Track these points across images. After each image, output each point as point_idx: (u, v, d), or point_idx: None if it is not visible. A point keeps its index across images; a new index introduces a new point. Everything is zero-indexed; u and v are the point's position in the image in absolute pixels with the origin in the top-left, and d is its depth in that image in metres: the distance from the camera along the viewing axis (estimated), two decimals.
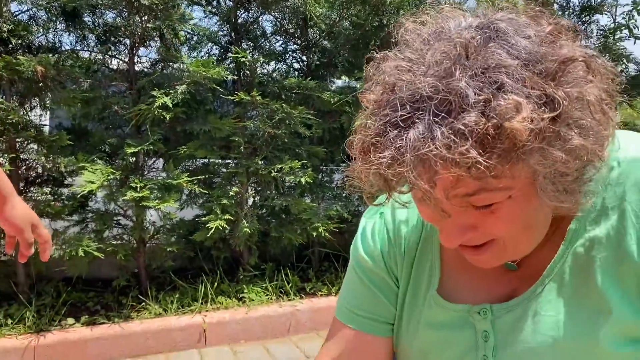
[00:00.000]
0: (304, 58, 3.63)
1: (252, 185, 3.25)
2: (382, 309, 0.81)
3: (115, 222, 2.95)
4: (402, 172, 0.55)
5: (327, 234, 3.05)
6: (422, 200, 0.63)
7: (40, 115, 2.84)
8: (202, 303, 2.83)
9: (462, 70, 0.55)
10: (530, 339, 0.68)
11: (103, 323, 2.60)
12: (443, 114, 0.54)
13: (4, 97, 2.63)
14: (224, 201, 2.94)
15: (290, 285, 3.06)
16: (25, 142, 2.78)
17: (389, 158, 0.55)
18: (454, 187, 0.56)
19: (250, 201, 3.26)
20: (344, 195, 3.49)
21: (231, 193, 2.99)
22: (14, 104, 2.66)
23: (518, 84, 0.55)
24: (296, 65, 3.67)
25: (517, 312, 0.70)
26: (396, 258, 0.81)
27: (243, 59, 3.01)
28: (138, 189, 2.70)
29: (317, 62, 3.65)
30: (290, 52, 3.66)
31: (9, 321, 2.54)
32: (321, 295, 3.06)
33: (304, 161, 3.10)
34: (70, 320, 2.60)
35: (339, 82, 3.83)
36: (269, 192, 3.24)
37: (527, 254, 0.69)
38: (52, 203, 2.80)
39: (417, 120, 0.54)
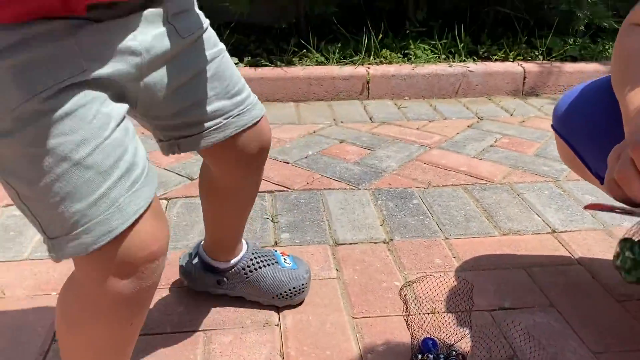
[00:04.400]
0: None
1: None
2: None
3: None
4: None
5: None
6: None
7: None
8: (365, 55, 2.62)
9: None
10: None
11: (266, 65, 2.52)
12: None
13: None
14: None
15: (462, 45, 2.71)
16: None
17: None
18: None
19: None
20: None
21: None
22: None
23: None
24: None
25: None
26: None
27: None
28: None
29: None
30: None
31: None
32: (495, 59, 2.70)
33: None
34: (234, 60, 2.55)
35: None
36: None
37: None
38: None
39: None
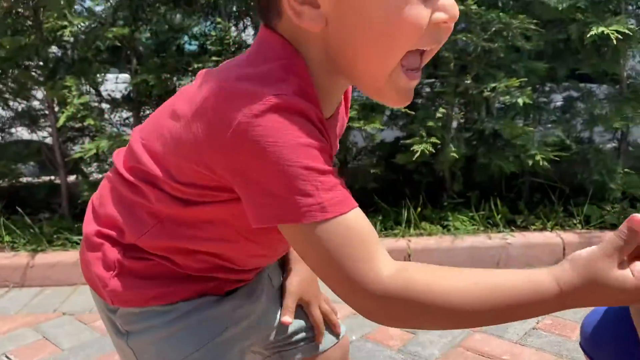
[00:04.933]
0: None
1: (459, 106, 3.00)
2: None
3: None
4: None
5: (545, 163, 2.71)
6: None
7: (253, 34, 2.89)
8: (405, 227, 2.75)
9: None
10: None
11: None
12: None
13: (220, 17, 2.71)
14: (430, 123, 2.76)
15: (499, 216, 2.82)
16: None
17: None
18: None
19: (455, 124, 3.02)
20: (564, 118, 3.05)
21: (438, 115, 2.78)
22: (229, 24, 2.73)
23: None
24: None
25: None
26: None
27: None
28: None
29: None
30: None
31: None
32: (534, 229, 2.77)
33: (523, 79, 2.73)
34: None
35: None
36: (477, 114, 2.96)
37: None
38: None
39: None
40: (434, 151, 2.73)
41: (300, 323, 0.95)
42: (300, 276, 0.96)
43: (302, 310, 0.95)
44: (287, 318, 0.91)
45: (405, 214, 2.82)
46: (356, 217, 0.60)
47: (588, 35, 2.62)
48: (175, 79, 2.75)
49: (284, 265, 0.98)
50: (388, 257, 0.60)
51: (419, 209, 2.87)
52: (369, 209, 2.96)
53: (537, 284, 0.57)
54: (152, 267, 0.75)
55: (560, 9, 2.75)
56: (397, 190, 3.10)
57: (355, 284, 0.58)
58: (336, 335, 1.00)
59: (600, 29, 2.61)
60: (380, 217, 2.84)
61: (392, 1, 0.58)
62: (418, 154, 2.67)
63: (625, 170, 2.93)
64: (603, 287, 0.55)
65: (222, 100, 0.60)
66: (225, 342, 0.80)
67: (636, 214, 0.55)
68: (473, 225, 2.79)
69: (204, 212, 0.70)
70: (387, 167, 3.09)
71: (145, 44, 2.81)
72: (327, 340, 0.98)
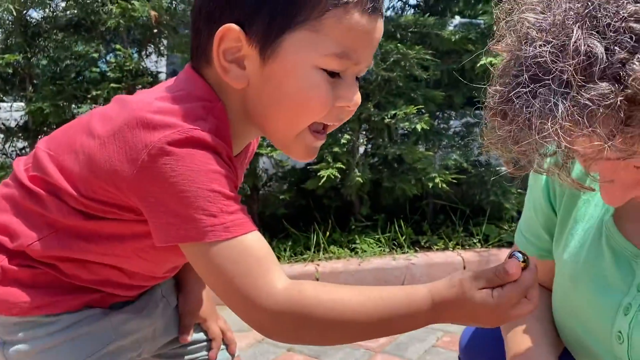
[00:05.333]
0: None
1: (364, 132, 3.10)
2: (540, 236, 0.85)
3: None
4: (526, 151, 0.53)
5: (444, 185, 2.84)
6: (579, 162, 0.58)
7: (156, 61, 2.86)
8: (314, 252, 2.78)
9: (590, 25, 0.48)
10: None
11: None
12: (567, 85, 0.48)
13: (122, 44, 2.67)
14: (336, 149, 2.82)
15: (403, 237, 2.91)
16: (142, 89, 2.83)
17: (514, 132, 0.53)
18: (594, 157, 0.51)
19: (362, 149, 3.12)
20: (462, 143, 3.23)
21: (342, 141, 2.85)
22: (131, 51, 2.69)
23: None
24: (412, 1, 3.40)
25: None
26: (555, 188, 0.81)
27: None
28: None
29: None
30: None
31: None
32: (437, 249, 2.89)
33: (420, 106, 2.87)
34: None
35: (456, 21, 3.50)
36: (381, 139, 3.07)
37: None
38: None
39: (541, 90, 0.50)
40: (339, 176, 2.79)
41: (197, 338, 0.98)
42: (195, 295, 0.99)
43: (200, 327, 0.99)
44: (185, 336, 0.95)
45: (315, 239, 2.85)
46: (255, 239, 0.65)
47: (478, 65, 2.81)
48: (73, 106, 2.65)
49: (179, 286, 1.00)
50: (284, 276, 0.65)
51: (328, 234, 2.91)
52: (280, 235, 2.97)
53: (414, 294, 0.64)
54: (37, 275, 0.75)
55: (453, 40, 2.94)
56: (307, 215, 3.13)
57: (250, 298, 0.63)
58: (231, 354, 1.03)
59: (489, 59, 2.80)
60: (290, 243, 2.85)
61: (306, 83, 0.67)
62: (324, 179, 2.72)
63: (519, 190, 3.14)
64: (469, 303, 0.62)
65: (141, 127, 0.64)
66: (110, 354, 0.80)
67: (514, 260, 0.64)
68: (379, 247, 2.87)
69: (104, 227, 0.72)
70: (298, 193, 3.12)
71: (41, 71, 2.70)
72: (221, 357, 1.00)
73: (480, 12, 3.07)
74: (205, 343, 1.00)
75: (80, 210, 0.71)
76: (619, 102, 0.46)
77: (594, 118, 0.47)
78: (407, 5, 3.40)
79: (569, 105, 0.48)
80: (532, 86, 0.50)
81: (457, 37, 2.93)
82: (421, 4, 3.34)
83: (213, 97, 0.70)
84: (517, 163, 0.59)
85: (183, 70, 0.75)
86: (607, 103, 0.46)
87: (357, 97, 0.71)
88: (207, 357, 0.99)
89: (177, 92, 0.70)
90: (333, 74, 0.68)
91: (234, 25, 0.66)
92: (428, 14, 3.01)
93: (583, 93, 0.47)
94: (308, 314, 0.63)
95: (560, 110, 0.48)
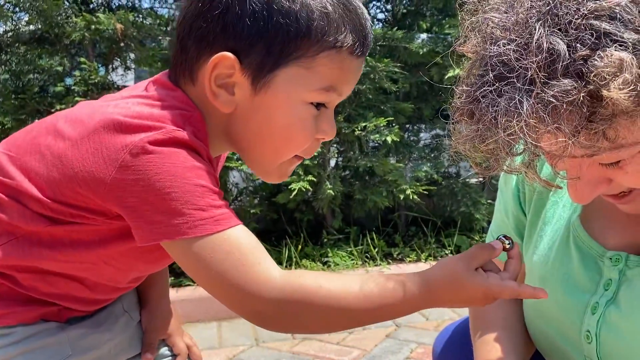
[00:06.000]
0: (389, 7, 3.38)
1: (335, 145, 3.10)
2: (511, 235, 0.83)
3: None
4: (494, 150, 0.52)
5: (415, 197, 2.86)
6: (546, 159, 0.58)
7: (122, 75, 2.82)
8: (286, 266, 2.75)
9: (552, 23, 0.48)
10: None
11: (188, 285, 2.58)
12: (531, 82, 0.48)
13: (87, 58, 2.62)
14: (307, 162, 2.81)
15: (376, 250, 2.91)
16: None
17: (481, 131, 0.52)
18: (560, 155, 0.51)
19: (333, 162, 3.12)
20: (432, 155, 3.25)
21: (314, 153, 2.84)
22: (97, 64, 2.64)
23: (624, 28, 0.46)
24: (380, 16, 3.43)
25: None
26: (525, 191, 0.81)
27: None
28: None
29: (404, 11, 3.38)
30: (374, 1, 3.42)
31: None
32: (409, 261, 2.89)
33: (390, 119, 2.89)
34: None
35: (423, 36, 3.56)
36: (352, 152, 3.07)
37: None
38: None
39: (506, 89, 0.50)
40: (310, 189, 2.78)
41: (161, 353, 0.96)
42: (160, 311, 0.96)
43: (165, 343, 0.97)
44: (148, 355, 0.92)
45: (287, 253, 2.82)
46: (244, 231, 0.66)
47: (446, 77, 2.84)
48: (36, 120, 2.58)
49: (142, 302, 0.97)
50: (276, 265, 0.65)
51: (300, 247, 2.89)
52: None
53: (409, 279, 0.66)
54: None
55: (421, 53, 2.97)
56: (279, 229, 3.10)
57: (247, 288, 0.62)
58: None
59: (456, 71, 2.84)
60: None
61: (294, 117, 0.70)
62: (296, 192, 2.70)
63: (489, 201, 3.17)
64: (460, 283, 0.65)
65: (119, 130, 0.64)
66: None
67: (500, 239, 0.67)
68: (352, 260, 2.85)
69: (71, 232, 0.70)
70: (269, 207, 3.09)
71: (2, 85, 2.63)
72: None
73: (447, 25, 3.12)
74: (169, 359, 0.97)
75: (45, 215, 0.68)
76: (581, 98, 0.46)
77: (558, 115, 0.47)
78: (375, 20, 3.43)
79: (533, 103, 0.48)
80: (497, 84, 0.51)
81: (424, 50, 2.97)
82: (389, 18, 3.38)
83: (191, 107, 0.71)
84: (485, 163, 0.58)
85: (156, 79, 0.74)
86: (570, 99, 0.46)
87: (334, 130, 0.75)
88: None
89: (155, 101, 0.70)
90: (319, 106, 0.71)
91: (230, 54, 0.67)
92: (396, 27, 3.04)
93: (547, 90, 0.47)
94: (310, 300, 0.63)
95: (525, 108, 0.48)
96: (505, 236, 0.67)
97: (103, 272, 0.76)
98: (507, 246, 0.66)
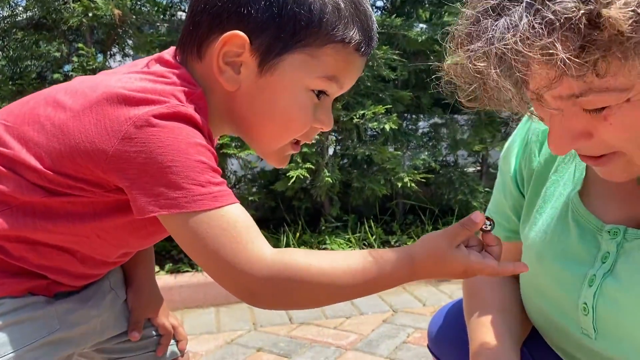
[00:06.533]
0: None
1: (333, 133, 3.10)
2: (509, 218, 0.88)
3: None
4: (484, 68, 0.52)
5: (413, 185, 2.86)
6: (532, 100, 0.59)
7: (120, 61, 2.81)
8: None
9: None
10: None
11: (187, 271, 2.59)
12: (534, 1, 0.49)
13: (84, 43, 2.61)
14: (305, 149, 2.81)
15: (373, 237, 2.92)
16: None
17: (476, 52, 0.52)
18: (549, 86, 0.52)
19: (331, 150, 3.12)
20: (430, 143, 3.26)
21: (312, 141, 2.84)
22: (94, 50, 2.63)
23: None
24: (379, 3, 3.42)
25: None
26: (523, 174, 0.83)
27: None
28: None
29: None
30: None
31: None
32: None
33: (388, 106, 2.89)
34: (155, 268, 2.60)
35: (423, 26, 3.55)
36: (350, 140, 3.08)
37: None
38: None
39: (510, 7, 0.51)
40: (309, 177, 2.78)
41: (145, 334, 0.97)
42: (146, 290, 0.98)
43: (150, 323, 0.98)
44: (135, 333, 0.94)
45: (285, 240, 2.83)
46: (241, 209, 0.67)
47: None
48: None
49: (128, 281, 0.98)
50: (269, 244, 0.67)
51: (298, 235, 2.90)
52: None
53: (394, 252, 0.68)
54: None
55: (420, 40, 2.96)
56: (277, 217, 3.11)
57: (239, 265, 0.64)
58: (181, 350, 1.01)
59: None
60: None
61: (295, 102, 0.72)
62: (294, 179, 2.70)
63: (486, 189, 3.18)
64: (442, 259, 0.67)
65: (123, 102, 0.64)
66: (54, 342, 0.78)
67: (479, 212, 0.68)
68: (350, 247, 2.86)
69: (66, 204, 0.70)
70: (267, 195, 3.09)
71: (0, 70, 2.62)
72: (169, 353, 0.99)
73: (446, 14, 3.11)
74: (154, 338, 0.98)
75: (42, 186, 0.69)
76: (580, 16, 0.46)
77: (554, 30, 0.48)
78: (374, 7, 3.42)
79: (532, 18, 0.49)
80: (503, 3, 0.52)
81: (423, 37, 2.96)
82: (388, 5, 3.37)
83: (193, 85, 0.71)
84: (473, 91, 0.58)
85: (158, 57, 0.75)
86: (568, 15, 0.47)
87: (331, 122, 0.77)
88: (154, 352, 0.98)
89: (158, 77, 0.70)
90: (319, 95, 0.73)
91: (242, 34, 0.69)
92: (395, 15, 3.04)
93: (550, 5, 0.48)
94: (300, 277, 0.64)
95: (522, 22, 0.49)
96: (487, 218, 0.68)
97: (95, 245, 0.76)
98: (485, 227, 0.68)
